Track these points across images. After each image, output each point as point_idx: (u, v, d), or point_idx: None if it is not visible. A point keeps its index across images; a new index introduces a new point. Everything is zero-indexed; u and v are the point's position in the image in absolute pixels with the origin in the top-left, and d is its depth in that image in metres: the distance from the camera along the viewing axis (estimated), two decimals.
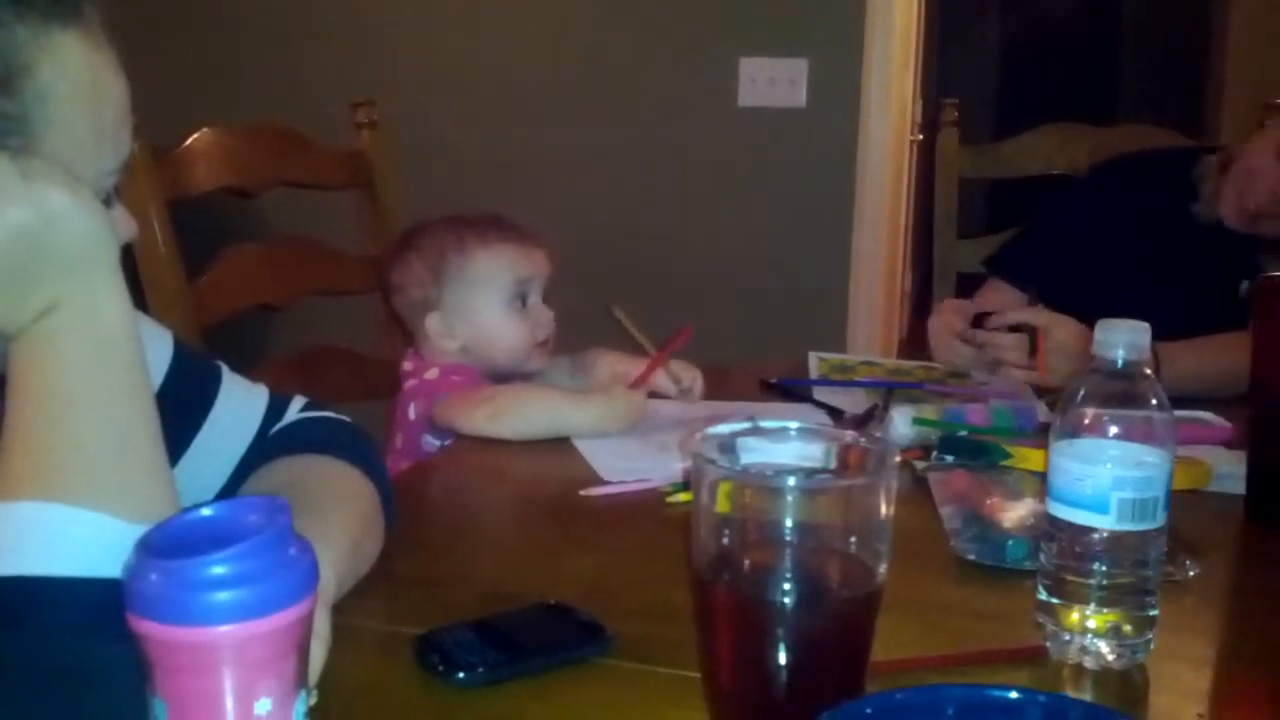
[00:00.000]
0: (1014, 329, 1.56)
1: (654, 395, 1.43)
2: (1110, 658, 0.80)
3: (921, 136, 3.18)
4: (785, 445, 0.72)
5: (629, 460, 1.21)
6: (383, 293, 1.60)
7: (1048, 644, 0.82)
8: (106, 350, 0.64)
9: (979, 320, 1.61)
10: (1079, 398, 0.81)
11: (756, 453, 0.71)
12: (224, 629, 0.53)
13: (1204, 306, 1.55)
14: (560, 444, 1.30)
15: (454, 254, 1.47)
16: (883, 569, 0.67)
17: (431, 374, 1.44)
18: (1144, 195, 1.82)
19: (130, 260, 0.84)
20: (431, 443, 1.39)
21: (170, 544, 0.55)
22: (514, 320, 1.48)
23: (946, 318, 1.64)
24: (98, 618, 0.57)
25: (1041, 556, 0.84)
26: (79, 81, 0.67)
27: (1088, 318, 1.52)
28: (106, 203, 0.70)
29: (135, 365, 0.66)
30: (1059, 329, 1.52)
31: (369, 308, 1.80)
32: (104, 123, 0.69)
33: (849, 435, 0.73)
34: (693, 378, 1.48)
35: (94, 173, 0.68)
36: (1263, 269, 1.71)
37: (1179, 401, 0.83)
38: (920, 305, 2.25)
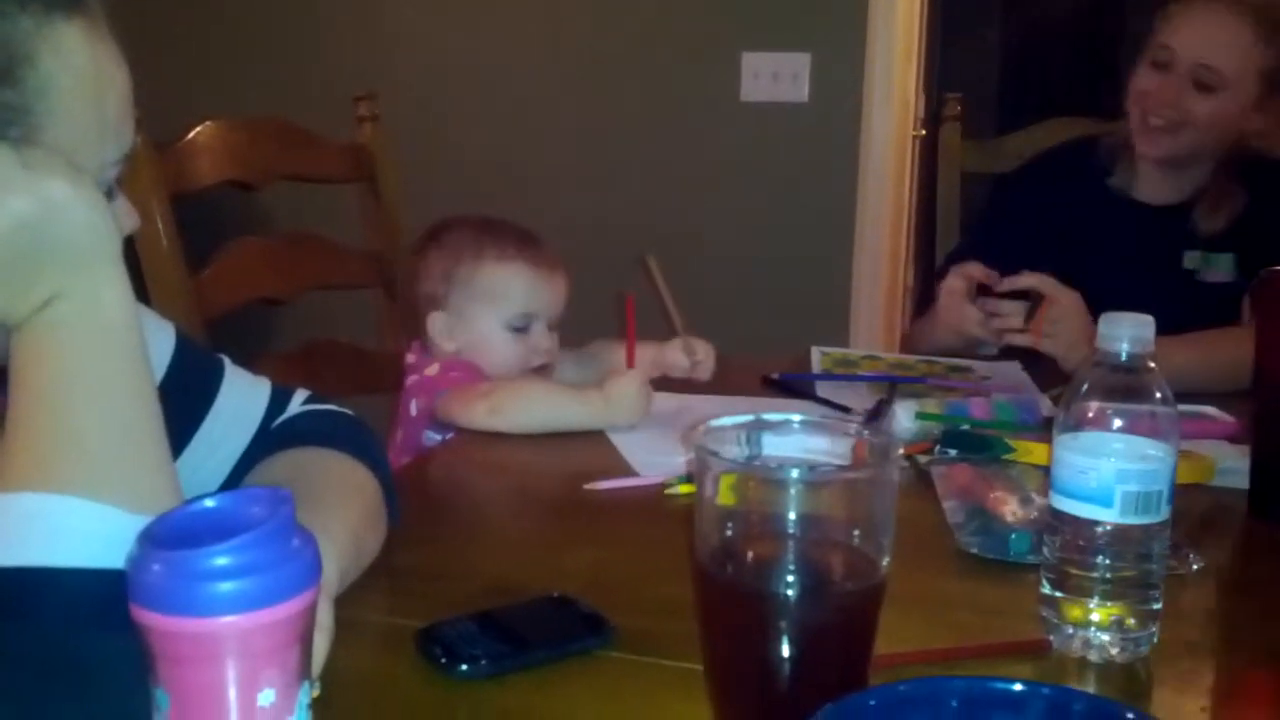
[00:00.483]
0: (1020, 295, 1.56)
1: (664, 379, 1.42)
2: (1113, 651, 0.80)
3: (924, 131, 3.17)
4: (808, 439, 0.71)
5: (664, 455, 1.20)
6: (400, 279, 1.57)
7: (1051, 638, 0.82)
8: (109, 341, 0.64)
9: (985, 289, 1.60)
10: (1083, 391, 0.81)
11: (778, 446, 0.71)
12: (227, 620, 0.53)
13: (1150, 283, 1.56)
14: (562, 437, 1.30)
15: (469, 260, 1.45)
16: (886, 562, 0.67)
17: (432, 370, 1.43)
18: (1063, 190, 1.81)
19: (132, 253, 0.84)
20: (432, 438, 1.39)
21: (173, 535, 0.55)
22: (510, 343, 1.45)
23: (957, 281, 1.63)
24: (101, 609, 0.57)
25: (1045, 550, 0.84)
26: (81, 72, 0.66)
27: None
28: (109, 195, 0.70)
29: (138, 356, 0.66)
30: (1062, 298, 1.52)
31: (371, 302, 1.80)
32: (106, 114, 0.68)
33: (852, 428, 0.73)
34: (706, 352, 1.47)
35: (96, 164, 0.68)
36: (1195, 233, 1.71)
37: (1182, 396, 0.83)
38: (923, 300, 2.26)
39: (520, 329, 1.45)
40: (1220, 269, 1.73)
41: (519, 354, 1.45)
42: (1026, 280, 1.56)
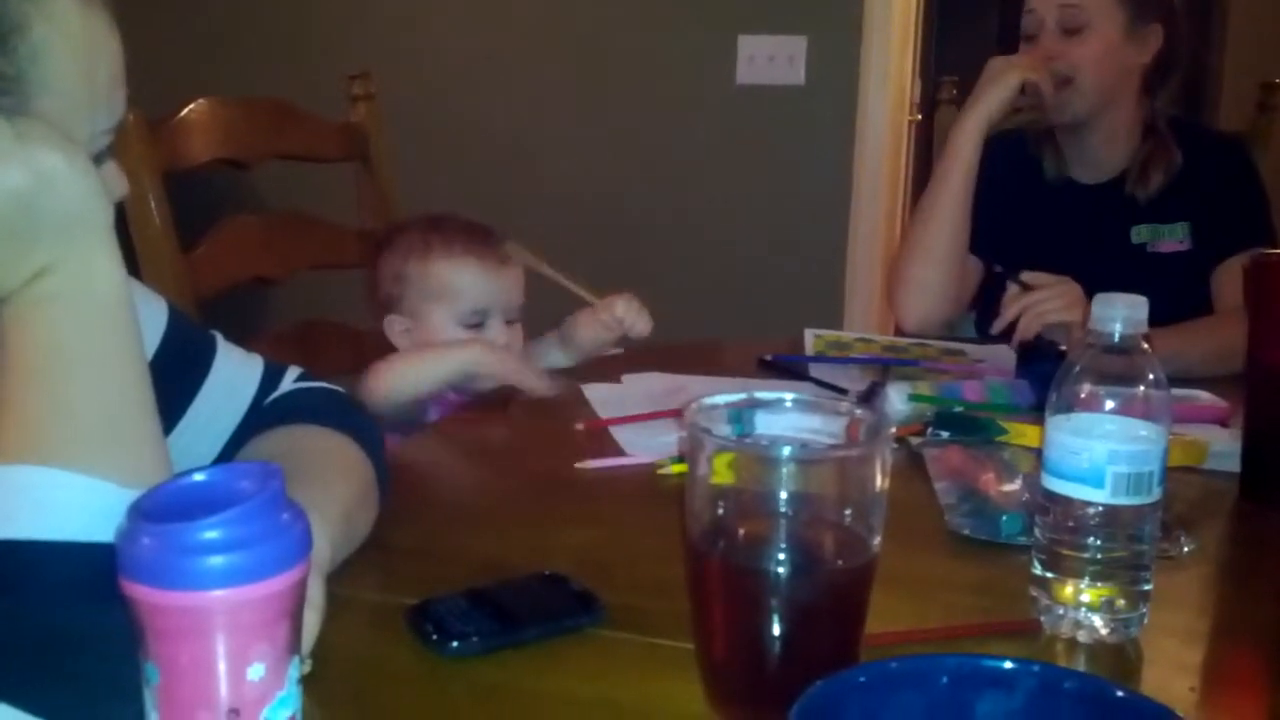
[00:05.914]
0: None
1: (661, 359, 1.39)
2: (1103, 632, 0.80)
3: (920, 116, 3.17)
4: (801, 418, 0.71)
5: (654, 434, 1.20)
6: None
7: (1041, 618, 0.82)
8: (101, 313, 0.64)
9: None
10: (1075, 372, 0.81)
11: (770, 425, 0.71)
12: (216, 593, 0.52)
13: (1101, 261, 1.56)
14: (552, 417, 1.29)
15: (417, 260, 1.44)
16: (877, 541, 0.67)
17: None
18: (1000, 183, 1.81)
19: (124, 231, 0.84)
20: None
21: (163, 508, 0.55)
22: (464, 339, 1.43)
23: None
24: (90, 582, 0.57)
25: (1036, 531, 0.84)
26: (73, 39, 0.66)
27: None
28: (99, 160, 0.70)
29: (129, 329, 0.65)
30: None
31: (365, 282, 1.79)
32: (98, 81, 0.68)
33: (844, 407, 0.73)
34: (627, 308, 1.44)
35: (88, 132, 0.68)
36: (1139, 205, 1.72)
37: (1173, 380, 0.83)
38: None
39: (475, 325, 1.44)
40: (1173, 238, 1.74)
41: None
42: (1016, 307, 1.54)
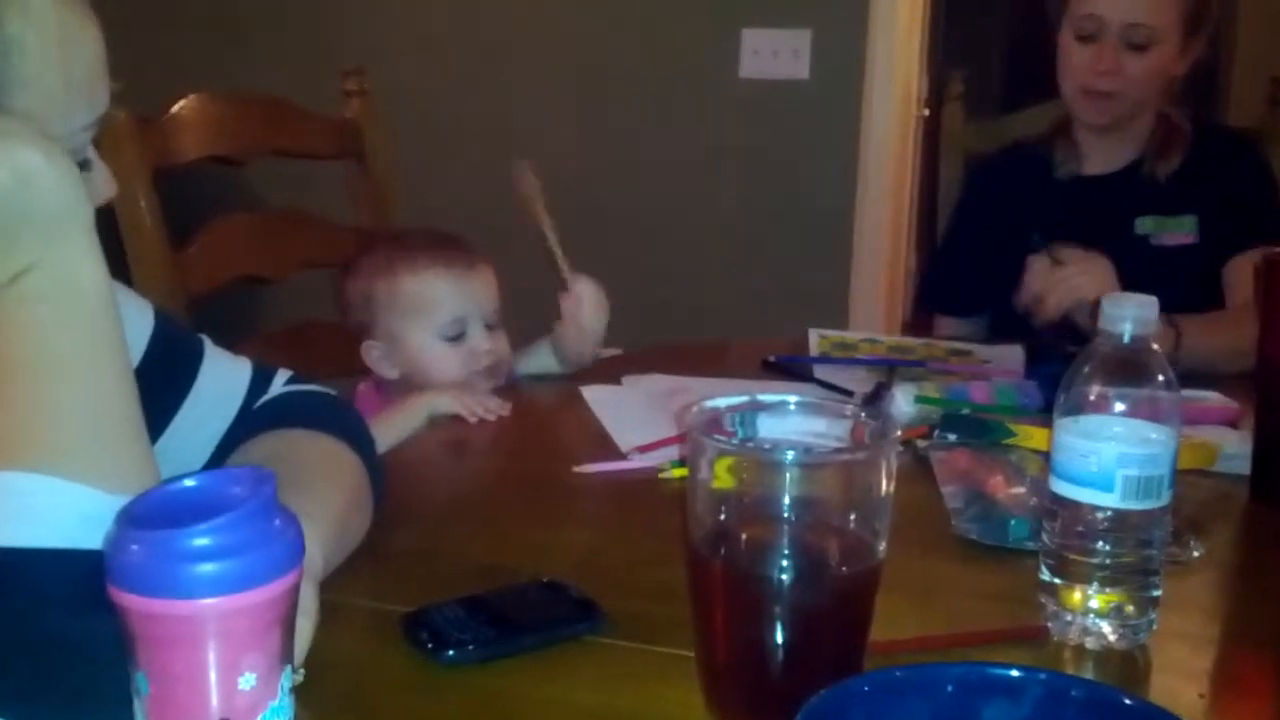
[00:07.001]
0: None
1: (661, 359, 1.38)
2: (1112, 638, 0.79)
3: (928, 111, 3.15)
4: (805, 421, 0.70)
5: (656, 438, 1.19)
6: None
7: (1049, 624, 0.81)
8: (84, 313, 0.63)
9: None
10: (1084, 373, 0.80)
11: (774, 428, 0.70)
12: (207, 602, 0.52)
13: (1107, 253, 1.55)
14: (550, 420, 1.28)
15: (383, 281, 1.41)
16: (882, 546, 0.66)
17: (363, 387, 1.45)
18: (1012, 187, 1.82)
19: (114, 229, 0.82)
20: None
21: (153, 515, 0.54)
22: (448, 353, 1.40)
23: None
24: (78, 590, 0.56)
25: (1044, 535, 0.83)
26: (49, 35, 0.65)
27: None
28: (85, 162, 0.69)
29: (113, 330, 0.64)
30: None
31: (337, 308, 1.78)
32: (75, 76, 0.67)
33: (848, 410, 0.72)
34: (586, 292, 1.45)
35: (67, 128, 0.67)
36: (1148, 195, 1.71)
37: (1184, 380, 0.82)
38: (925, 283, 2.25)
39: (455, 336, 1.40)
40: (1180, 230, 1.73)
41: (459, 362, 1.40)
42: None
